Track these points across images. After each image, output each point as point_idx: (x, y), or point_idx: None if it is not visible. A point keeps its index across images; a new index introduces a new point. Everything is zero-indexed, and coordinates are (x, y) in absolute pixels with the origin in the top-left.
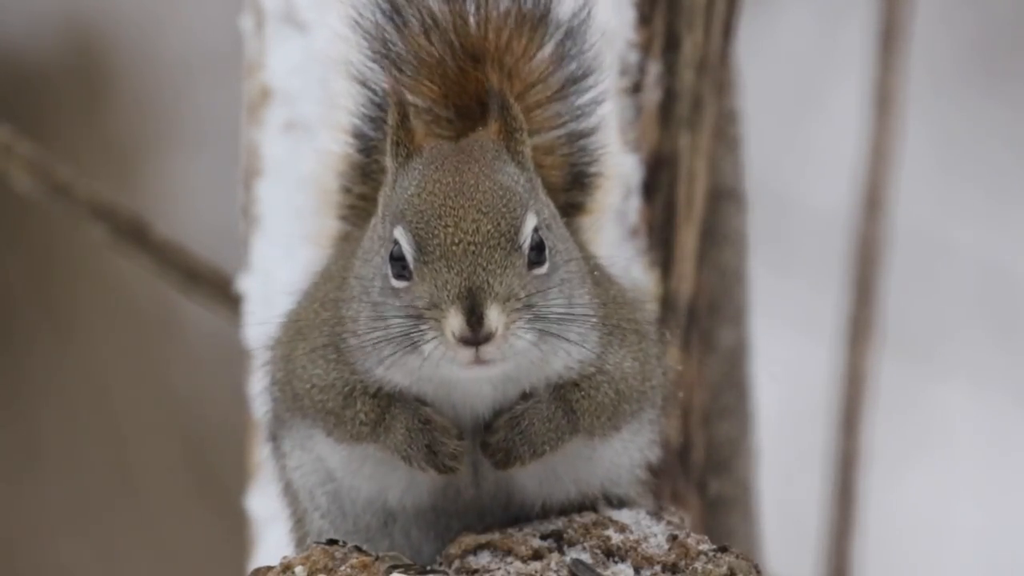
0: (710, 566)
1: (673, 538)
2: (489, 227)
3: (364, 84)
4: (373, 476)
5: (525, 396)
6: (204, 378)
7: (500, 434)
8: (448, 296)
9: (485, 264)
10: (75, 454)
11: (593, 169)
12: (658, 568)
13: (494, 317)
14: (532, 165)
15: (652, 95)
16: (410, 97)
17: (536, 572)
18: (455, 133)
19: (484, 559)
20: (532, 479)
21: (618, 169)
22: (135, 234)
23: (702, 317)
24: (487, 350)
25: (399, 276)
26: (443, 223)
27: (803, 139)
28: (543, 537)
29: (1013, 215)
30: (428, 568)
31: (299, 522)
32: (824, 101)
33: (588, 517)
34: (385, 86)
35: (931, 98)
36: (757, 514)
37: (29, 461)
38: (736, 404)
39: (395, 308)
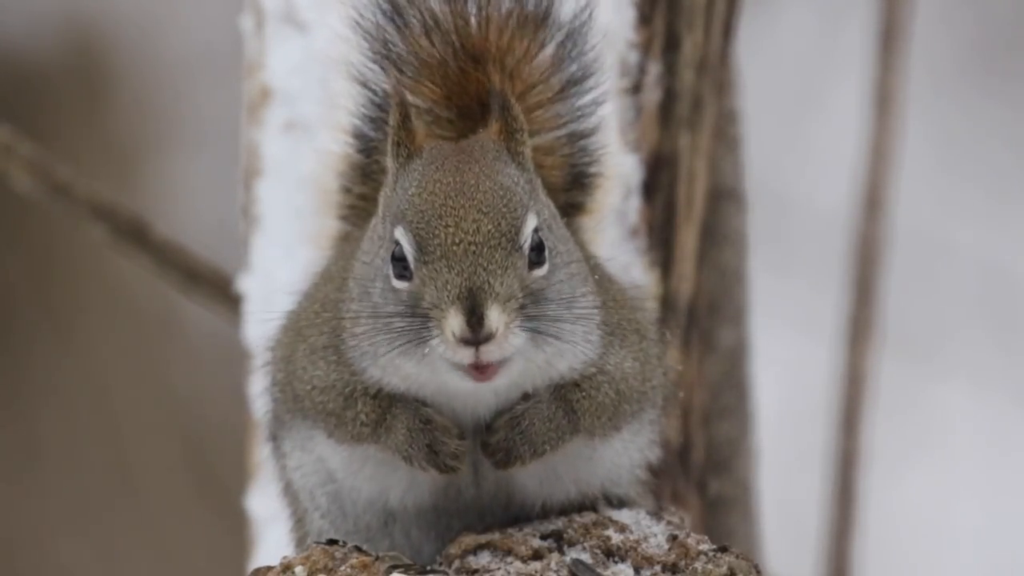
0: (710, 566)
1: (673, 538)
2: (490, 227)
3: (365, 85)
4: (374, 477)
5: (526, 396)
6: (204, 378)
7: (500, 434)
8: (448, 296)
9: (485, 264)
10: (75, 454)
11: (593, 169)
12: (658, 568)
13: (494, 317)
14: (532, 166)
15: (652, 95)
16: (411, 98)
17: (536, 572)
18: (456, 134)
19: (484, 559)
20: (532, 479)
21: (618, 169)
22: (135, 234)
23: (702, 317)
24: (487, 350)
25: (400, 276)
26: (443, 223)
27: (803, 139)
28: (543, 537)
29: (1013, 215)
30: (428, 568)
31: (299, 522)
32: (824, 101)
33: (588, 517)
34: (386, 87)
35: (931, 98)
36: (757, 514)
37: (29, 461)
38: (736, 404)
39: (396, 308)
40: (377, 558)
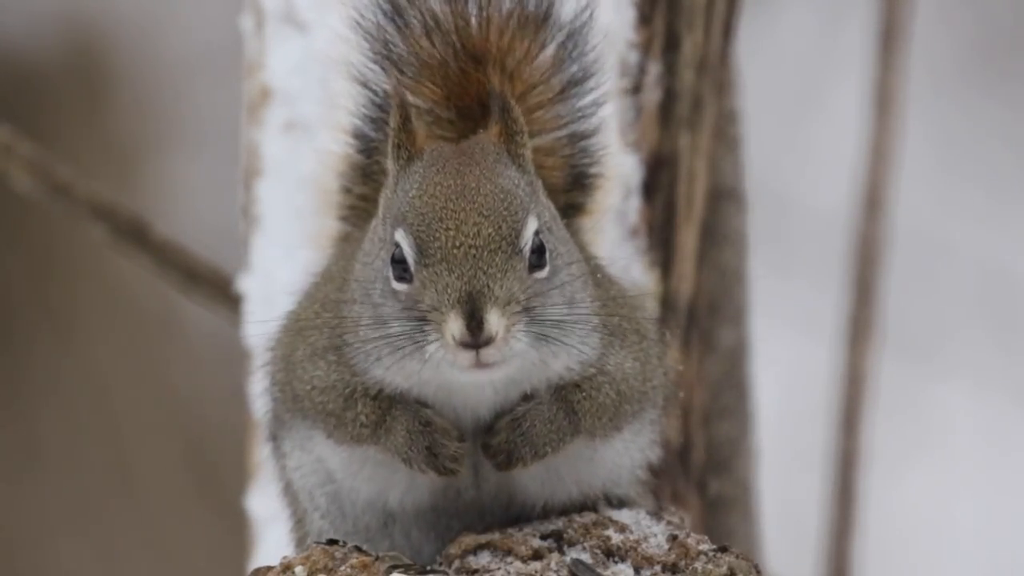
0: (710, 566)
1: (673, 538)
2: (490, 230)
3: (365, 85)
4: (373, 478)
5: (526, 398)
6: (204, 378)
7: (502, 436)
8: (449, 300)
9: (486, 268)
10: (75, 454)
11: (594, 170)
12: (658, 568)
13: (494, 321)
14: (533, 167)
15: (652, 95)
16: (411, 98)
17: (536, 572)
18: (456, 134)
19: (484, 559)
20: (534, 480)
21: (618, 169)
22: (135, 234)
23: (702, 317)
24: (487, 353)
25: (400, 279)
26: (444, 226)
27: (803, 139)
28: (543, 537)
29: (1013, 215)
30: (428, 568)
31: (299, 522)
32: (824, 101)
33: (588, 517)
34: (386, 87)
35: (931, 98)
36: (757, 514)
37: (29, 461)
38: (736, 404)
39: (396, 311)
40: (377, 558)
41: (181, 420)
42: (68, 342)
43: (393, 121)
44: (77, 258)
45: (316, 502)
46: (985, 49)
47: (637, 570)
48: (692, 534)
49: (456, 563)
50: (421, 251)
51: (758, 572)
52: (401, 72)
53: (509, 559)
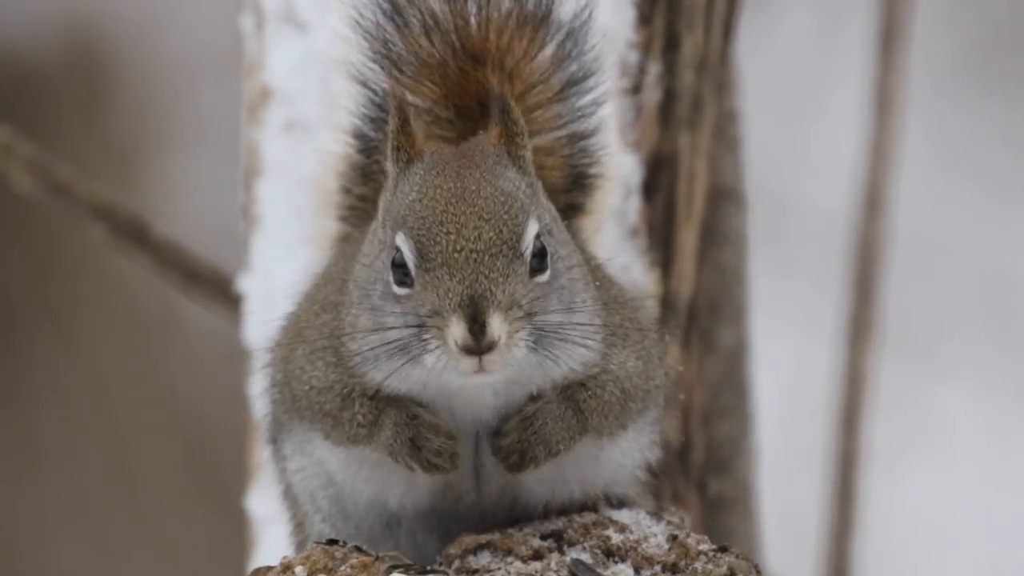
0: (710, 566)
1: (673, 538)
2: (491, 234)
3: (364, 84)
4: (371, 479)
5: (532, 398)
6: (204, 378)
7: (513, 436)
8: (450, 304)
9: (487, 272)
10: (75, 454)
11: (594, 170)
12: (658, 568)
13: (496, 326)
14: (533, 169)
15: (652, 95)
16: (410, 97)
17: (536, 572)
18: (456, 134)
19: (484, 559)
20: (540, 483)
21: (618, 169)
22: (135, 234)
23: (702, 317)
24: (490, 360)
25: (401, 283)
26: (445, 230)
27: (803, 139)
28: (543, 537)
29: (1013, 215)
30: (428, 568)
31: (299, 526)
32: (824, 101)
33: (588, 517)
34: (385, 87)
35: (931, 98)
36: (757, 514)
37: (29, 461)
38: (736, 404)
39: (396, 315)
40: (377, 558)
41: (181, 420)
42: (68, 342)
43: (392, 123)
44: (77, 258)
45: (318, 504)
46: (985, 49)
47: (637, 570)
48: (692, 534)
49: (456, 563)
50: (422, 255)
51: (758, 572)
52: (400, 71)
53: (509, 559)
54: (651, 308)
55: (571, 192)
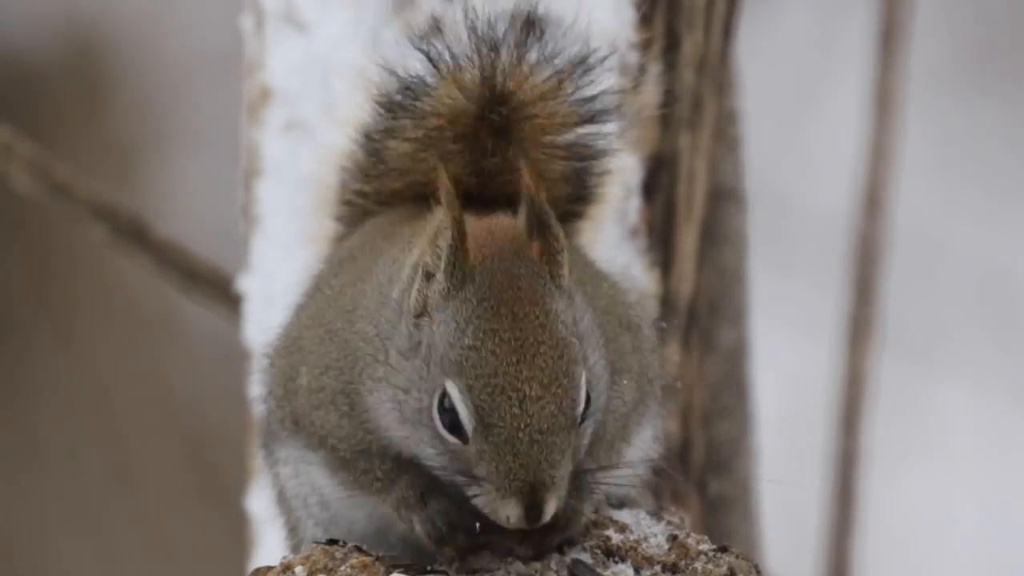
0: (710, 566)
1: (673, 538)
2: (553, 408)
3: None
4: (372, 516)
5: None
6: (204, 378)
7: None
8: (511, 487)
9: (548, 455)
10: (75, 454)
11: (597, 185)
12: (658, 568)
13: (551, 509)
14: (570, 280)
15: (652, 95)
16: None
17: (536, 572)
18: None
19: (484, 559)
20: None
21: (618, 169)
22: (135, 234)
23: (702, 317)
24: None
25: (452, 430)
26: (508, 400)
27: (803, 139)
28: None
29: (1013, 215)
30: (428, 568)
31: (292, 530)
32: (824, 101)
33: None
34: (398, 80)
35: (931, 98)
36: (757, 514)
37: (29, 461)
38: (736, 404)
39: (439, 451)
40: (377, 558)
41: (181, 420)
42: (68, 342)
43: (449, 239)
44: (77, 258)
45: (310, 510)
46: (985, 49)
47: (637, 570)
48: (692, 534)
49: (456, 563)
50: (482, 421)
51: (758, 572)
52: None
53: (509, 559)
54: (651, 308)
55: (574, 203)
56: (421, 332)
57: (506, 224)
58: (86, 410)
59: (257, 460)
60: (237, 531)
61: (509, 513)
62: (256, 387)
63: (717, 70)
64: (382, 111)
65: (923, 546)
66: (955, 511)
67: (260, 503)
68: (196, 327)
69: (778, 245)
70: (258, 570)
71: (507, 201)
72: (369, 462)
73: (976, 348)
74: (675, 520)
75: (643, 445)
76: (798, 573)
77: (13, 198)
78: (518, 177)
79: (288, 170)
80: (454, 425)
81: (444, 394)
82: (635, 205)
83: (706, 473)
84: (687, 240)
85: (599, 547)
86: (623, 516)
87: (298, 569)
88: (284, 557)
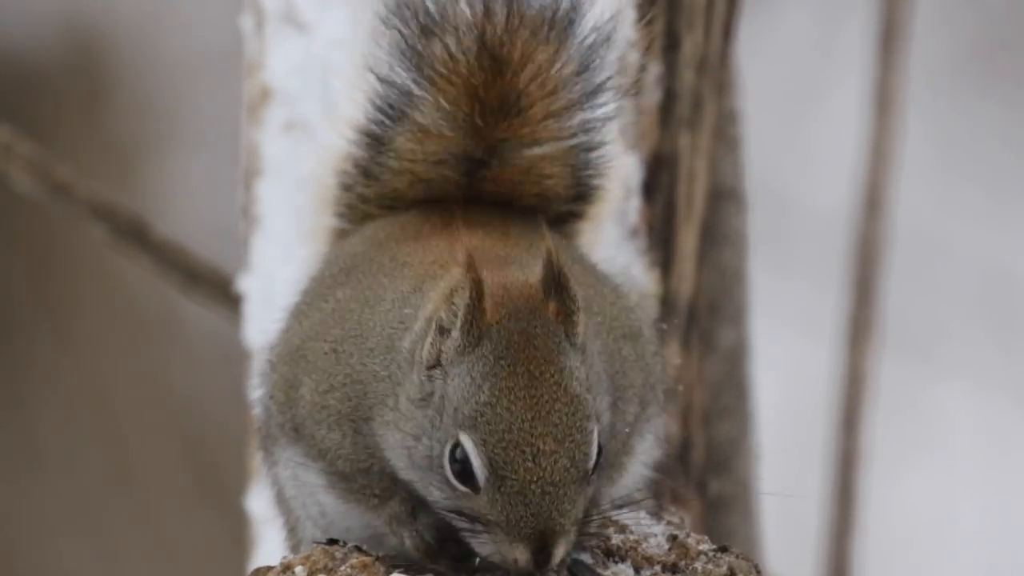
0: (710, 566)
1: (673, 538)
2: (565, 462)
3: (382, 80)
4: (369, 526)
5: None
6: (204, 378)
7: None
8: (520, 533)
9: (559, 504)
10: (75, 454)
11: (597, 182)
12: (658, 568)
13: (560, 553)
14: (585, 338)
15: (652, 95)
16: (418, 92)
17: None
18: (471, 136)
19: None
20: None
21: (618, 169)
22: (135, 234)
23: (702, 317)
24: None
25: (462, 479)
26: (521, 454)
27: (803, 139)
28: None
29: (1013, 215)
30: (429, 568)
31: (292, 531)
32: (824, 101)
33: None
34: (402, 83)
35: (931, 98)
36: (757, 514)
37: (29, 461)
38: (736, 404)
39: (447, 496)
40: (377, 558)
41: (181, 420)
42: (68, 342)
43: (467, 298)
44: (77, 258)
45: (309, 511)
46: (985, 49)
47: (637, 570)
48: (692, 534)
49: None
50: (495, 472)
51: (758, 572)
52: (421, 68)
53: None
54: (651, 308)
55: (573, 202)
56: (433, 384)
57: (522, 283)
58: (86, 410)
59: (257, 460)
60: (237, 531)
61: (518, 556)
62: (256, 389)
63: (717, 70)
64: (382, 113)
65: (923, 546)
66: (955, 511)
67: (260, 503)
68: (196, 327)
69: (778, 245)
70: (258, 570)
71: (503, 203)
72: (368, 479)
73: (976, 348)
74: (675, 520)
75: (645, 450)
76: (798, 573)
77: (13, 198)
78: (517, 179)
79: (288, 170)
80: (466, 475)
81: (457, 445)
82: (635, 205)
83: (706, 473)
84: (687, 240)
85: (599, 547)
86: (623, 516)
87: (298, 569)
88: (284, 557)
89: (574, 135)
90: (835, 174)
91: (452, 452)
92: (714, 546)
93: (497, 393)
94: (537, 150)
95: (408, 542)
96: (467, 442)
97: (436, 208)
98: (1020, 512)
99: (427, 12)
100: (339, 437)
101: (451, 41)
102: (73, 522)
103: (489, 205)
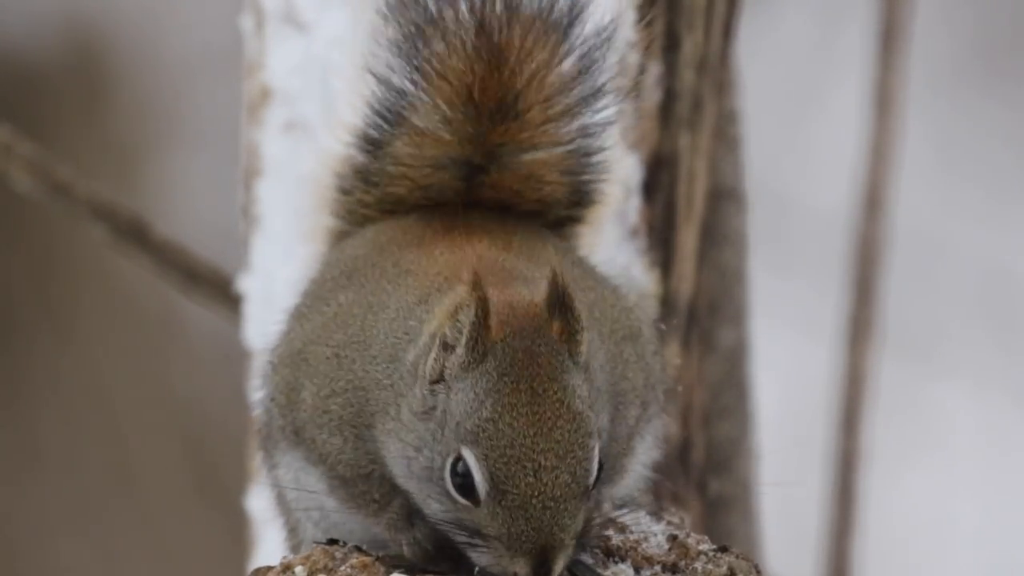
0: (710, 566)
1: (673, 538)
2: (567, 477)
3: (380, 80)
4: (369, 529)
5: None
6: (204, 378)
7: None
8: (521, 548)
9: (559, 519)
10: (75, 454)
11: (596, 186)
12: (658, 568)
13: (559, 567)
14: (588, 357)
15: (652, 95)
16: (426, 97)
17: None
18: (469, 136)
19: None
20: None
21: (618, 171)
22: (135, 234)
23: (702, 317)
24: None
25: (462, 492)
26: (523, 469)
27: (803, 139)
28: None
29: (1013, 215)
30: (429, 568)
31: (292, 531)
32: (824, 101)
33: None
34: (403, 85)
35: (931, 98)
36: (757, 514)
37: (29, 461)
38: (736, 404)
39: (447, 508)
40: (377, 558)
41: (181, 420)
42: (68, 342)
43: (472, 316)
44: (77, 258)
45: (309, 514)
46: (985, 49)
47: (637, 570)
48: (692, 534)
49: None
50: (496, 487)
51: (758, 572)
52: (419, 68)
53: None
54: (651, 308)
55: (573, 207)
56: (436, 398)
57: (527, 302)
58: (86, 410)
59: (257, 460)
60: (237, 531)
61: (518, 570)
62: (258, 391)
63: (717, 70)
64: (380, 117)
65: (923, 546)
66: (955, 511)
67: (260, 503)
68: (196, 327)
69: (778, 245)
70: (258, 570)
71: (503, 208)
72: (368, 484)
73: (976, 348)
74: (675, 520)
75: (645, 451)
76: (798, 573)
77: (13, 198)
78: (516, 186)
79: (288, 170)
80: (466, 489)
81: (459, 459)
82: (635, 205)
83: (706, 473)
84: (687, 240)
85: (599, 547)
86: (623, 516)
87: (298, 569)
88: (284, 557)
89: (573, 140)
90: (835, 174)
91: (454, 466)
92: (714, 546)
93: (500, 409)
94: (536, 155)
95: (406, 549)
96: (469, 456)
97: (437, 212)
98: (1020, 512)
99: (426, 8)
100: (340, 442)
101: (448, 35)
102: (73, 522)
103: (488, 210)
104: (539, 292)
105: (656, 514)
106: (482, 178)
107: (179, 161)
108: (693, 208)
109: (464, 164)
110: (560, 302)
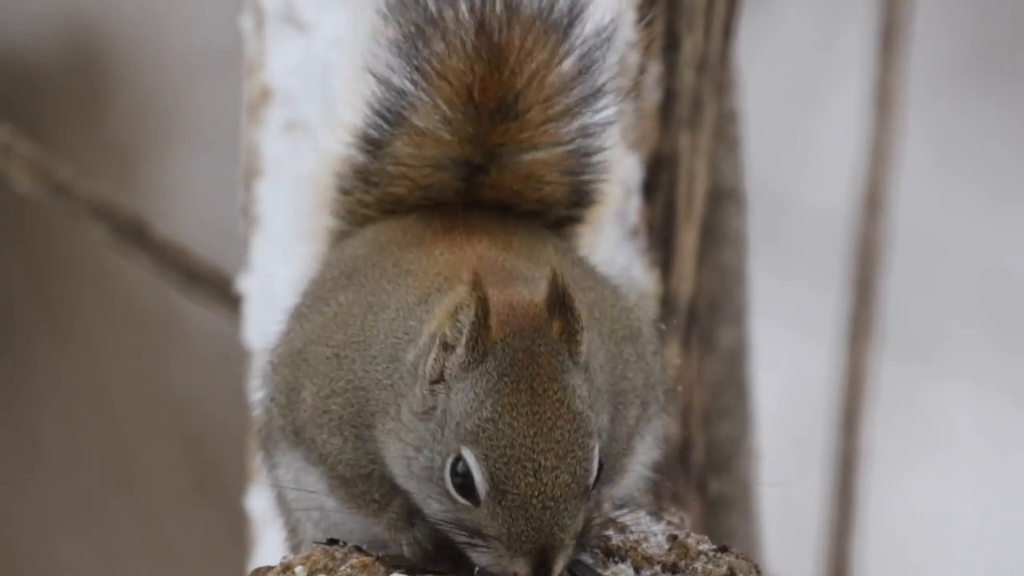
0: (710, 566)
1: (673, 538)
2: (567, 477)
3: (380, 80)
4: (368, 529)
5: None
6: (204, 378)
7: None
8: (521, 548)
9: (559, 519)
10: (75, 454)
11: (596, 186)
12: (658, 568)
13: (559, 567)
14: (588, 356)
15: (652, 95)
16: (426, 98)
17: None
18: (469, 136)
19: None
20: None
21: (618, 171)
22: (135, 234)
23: (702, 317)
24: None
25: (462, 492)
26: (523, 469)
27: (803, 139)
28: None
29: (1013, 215)
30: (429, 568)
31: (292, 531)
32: (824, 101)
33: None
34: (403, 85)
35: (931, 98)
36: (757, 514)
37: (29, 461)
38: (736, 404)
39: (447, 508)
40: (377, 558)
41: (181, 420)
42: (68, 342)
43: (470, 316)
44: (77, 258)
45: (310, 514)
46: (985, 49)
47: (637, 570)
48: (692, 534)
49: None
50: (496, 487)
51: (758, 572)
52: (420, 68)
53: None
54: (651, 308)
55: (573, 207)
56: (436, 398)
57: (527, 302)
58: (86, 410)
59: (257, 460)
60: (237, 531)
61: (518, 570)
62: (258, 390)
63: (717, 70)
64: (380, 117)
65: (923, 546)
66: (955, 511)
67: (260, 503)
68: (196, 327)
69: (778, 245)
70: (258, 570)
71: (501, 208)
72: (368, 484)
73: (976, 348)
74: (675, 520)
75: (645, 451)
76: (798, 573)
77: (13, 198)
78: (516, 186)
79: (288, 170)
80: (466, 488)
81: (459, 459)
82: (635, 205)
83: (706, 473)
84: (687, 240)
85: (599, 547)
86: (623, 516)
87: (298, 569)
88: (284, 557)
89: (573, 140)
90: (835, 174)
91: (453, 466)
92: (714, 546)
93: (500, 409)
94: (536, 155)
95: (406, 549)
96: (469, 456)
97: (437, 212)
98: (1020, 512)
99: (426, 8)
100: (340, 442)
101: (448, 35)
102: (73, 522)
103: (489, 210)
104: (539, 292)
105: (656, 514)
106: (482, 178)
107: (179, 161)
108: (693, 208)
109: (464, 164)
110: (560, 302)
